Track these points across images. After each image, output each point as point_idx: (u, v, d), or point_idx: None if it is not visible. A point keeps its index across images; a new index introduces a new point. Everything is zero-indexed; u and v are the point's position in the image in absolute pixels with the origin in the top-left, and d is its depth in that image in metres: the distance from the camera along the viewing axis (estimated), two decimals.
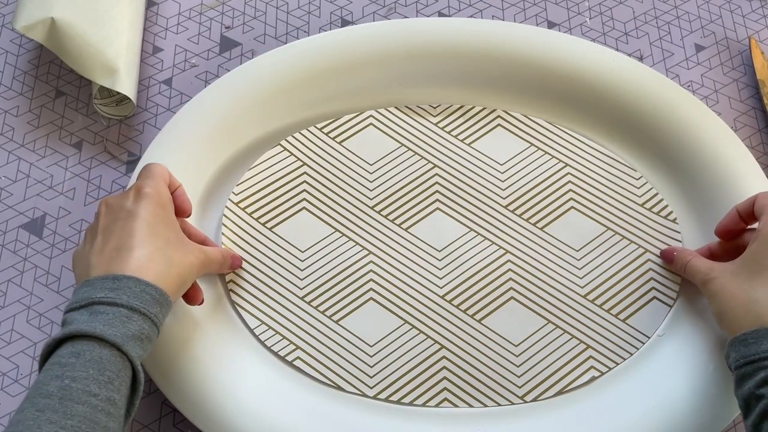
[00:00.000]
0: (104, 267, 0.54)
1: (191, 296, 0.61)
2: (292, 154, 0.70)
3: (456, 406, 0.62)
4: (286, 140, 0.71)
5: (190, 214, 0.63)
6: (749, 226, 0.62)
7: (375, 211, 0.69)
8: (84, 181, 0.71)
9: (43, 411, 0.47)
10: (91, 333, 0.50)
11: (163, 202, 0.59)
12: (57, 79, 0.76)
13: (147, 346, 0.53)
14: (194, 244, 0.60)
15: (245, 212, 0.68)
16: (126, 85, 0.70)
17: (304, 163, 0.70)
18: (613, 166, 0.71)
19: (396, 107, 0.73)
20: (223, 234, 0.67)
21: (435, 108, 0.73)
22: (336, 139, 0.71)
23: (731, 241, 0.63)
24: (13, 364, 0.64)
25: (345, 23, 0.79)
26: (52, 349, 0.51)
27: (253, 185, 0.69)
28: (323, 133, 0.71)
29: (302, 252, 0.67)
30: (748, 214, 0.61)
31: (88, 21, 0.70)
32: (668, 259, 0.66)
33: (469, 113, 0.73)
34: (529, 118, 0.72)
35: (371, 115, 0.72)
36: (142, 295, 0.53)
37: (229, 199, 0.68)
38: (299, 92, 0.71)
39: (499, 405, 0.62)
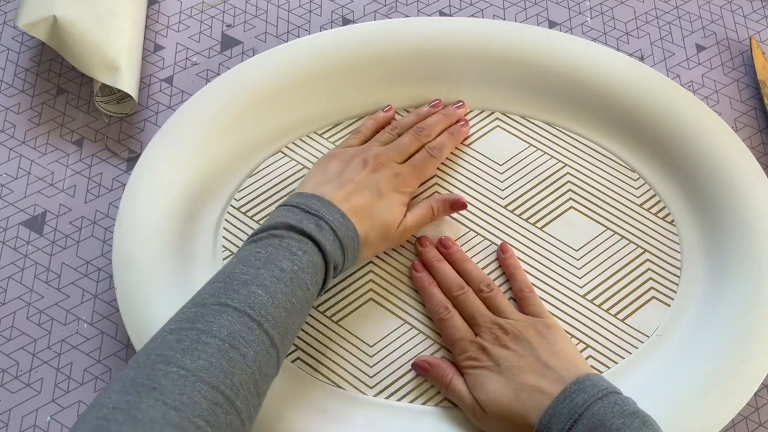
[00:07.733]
0: (346, 206, 0.61)
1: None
2: (292, 159, 0.70)
3: (456, 405, 0.62)
4: (287, 147, 0.71)
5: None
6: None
7: None
8: (85, 178, 0.71)
9: (279, 279, 0.55)
10: (320, 242, 0.58)
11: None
12: (58, 76, 0.76)
13: (333, 272, 0.59)
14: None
15: (246, 216, 0.68)
16: (127, 82, 0.70)
17: (305, 167, 0.70)
18: (611, 167, 0.71)
19: (396, 110, 0.73)
20: (224, 237, 0.67)
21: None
22: (336, 144, 0.71)
23: None
24: (13, 360, 0.64)
25: (346, 22, 0.79)
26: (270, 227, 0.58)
27: (254, 190, 0.69)
28: (323, 138, 0.71)
29: None
30: None
31: (90, 19, 0.70)
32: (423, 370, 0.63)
33: (468, 115, 0.73)
34: (528, 120, 0.72)
35: None
36: (349, 238, 0.60)
37: (231, 205, 0.68)
38: (300, 90, 0.71)
39: None
